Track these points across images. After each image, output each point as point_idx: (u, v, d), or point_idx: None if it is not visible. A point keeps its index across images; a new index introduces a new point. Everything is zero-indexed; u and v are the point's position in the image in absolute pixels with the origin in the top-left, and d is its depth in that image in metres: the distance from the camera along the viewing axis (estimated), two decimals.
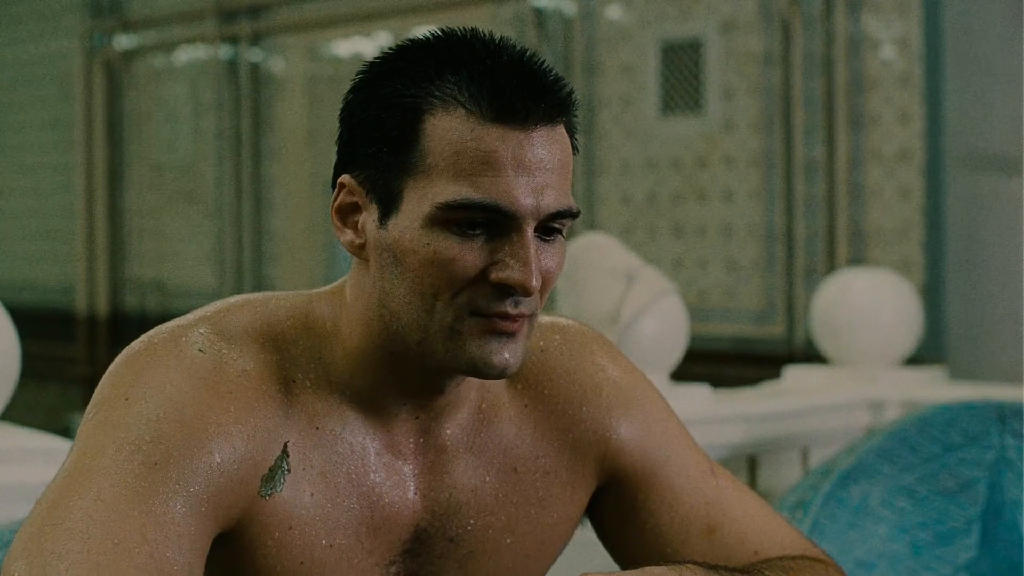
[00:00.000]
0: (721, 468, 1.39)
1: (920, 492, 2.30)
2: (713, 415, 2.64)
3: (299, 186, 6.12)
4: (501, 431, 1.28)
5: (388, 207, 1.16)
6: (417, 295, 1.15)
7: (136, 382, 1.15)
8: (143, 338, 1.20)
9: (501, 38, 1.18)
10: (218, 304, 1.23)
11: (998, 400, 2.44)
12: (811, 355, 3.77)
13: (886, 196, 4.13)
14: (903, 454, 2.34)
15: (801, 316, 4.26)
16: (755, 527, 1.36)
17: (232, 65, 6.40)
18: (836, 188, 4.21)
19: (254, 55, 6.33)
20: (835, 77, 4.22)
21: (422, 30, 1.23)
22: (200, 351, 1.17)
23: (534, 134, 1.14)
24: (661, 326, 2.65)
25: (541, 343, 1.32)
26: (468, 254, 1.13)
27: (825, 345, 3.12)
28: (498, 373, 1.16)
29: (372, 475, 1.21)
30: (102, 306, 6.98)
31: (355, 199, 1.18)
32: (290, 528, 1.17)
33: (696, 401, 2.67)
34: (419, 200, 1.14)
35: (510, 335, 1.15)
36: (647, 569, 1.18)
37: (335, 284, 1.25)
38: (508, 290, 1.14)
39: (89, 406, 1.17)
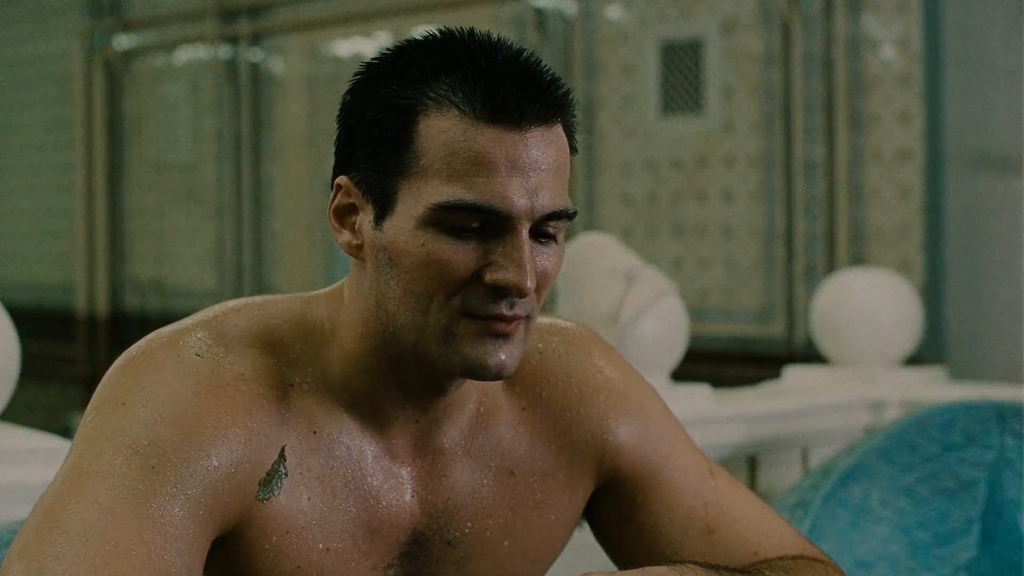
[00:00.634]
0: (720, 468, 1.39)
1: (920, 492, 2.30)
2: (713, 415, 2.64)
3: (299, 186, 6.12)
4: (499, 434, 1.28)
5: (383, 208, 1.15)
6: (412, 296, 1.15)
7: (133, 386, 1.16)
8: (141, 342, 1.20)
9: (499, 38, 1.18)
10: (216, 308, 1.23)
11: (998, 400, 2.44)
12: (811, 355, 3.77)
13: (886, 196, 4.13)
14: (903, 454, 2.34)
15: (801, 316, 4.26)
16: (754, 527, 1.36)
17: (232, 65, 6.40)
18: (836, 188, 4.21)
19: (254, 55, 6.33)
20: (835, 77, 4.22)
21: (422, 30, 1.23)
22: (197, 355, 1.17)
23: (528, 135, 1.14)
24: (661, 326, 2.65)
25: (539, 345, 1.32)
26: (462, 255, 1.13)
27: (825, 345, 3.12)
28: (494, 375, 1.16)
29: (369, 479, 1.21)
30: (102, 306, 6.98)
31: (352, 200, 1.18)
32: (287, 532, 1.17)
33: (696, 401, 2.67)
34: (413, 201, 1.14)
35: (505, 336, 1.15)
36: (648, 569, 1.18)
37: (333, 286, 1.25)
38: (503, 291, 1.14)
39: (87, 409, 1.18)
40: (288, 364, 1.20)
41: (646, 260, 2.76)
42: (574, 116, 1.20)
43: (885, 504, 2.28)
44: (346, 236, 1.19)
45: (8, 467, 1.85)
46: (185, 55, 6.69)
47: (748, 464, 2.74)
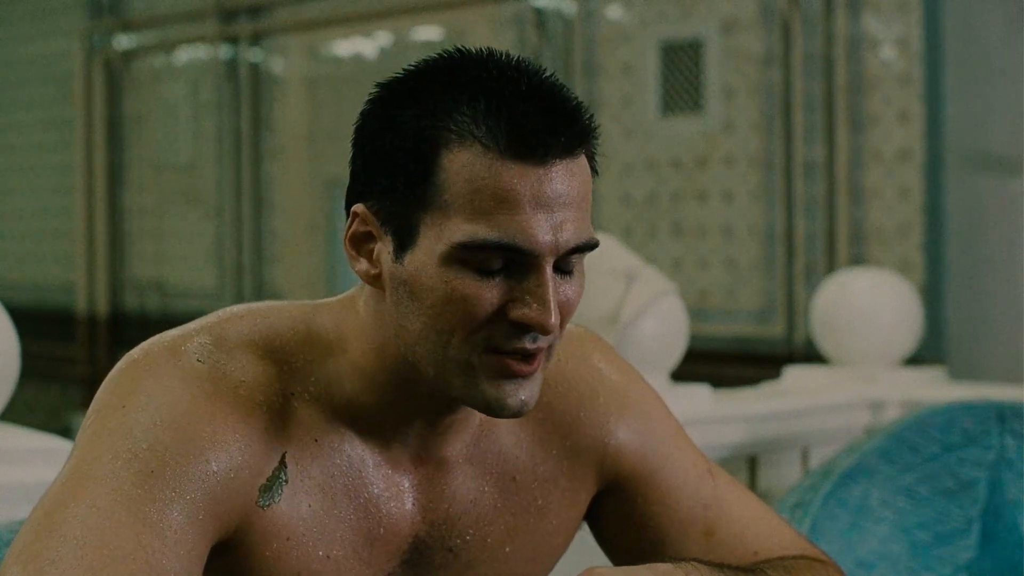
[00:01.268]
0: (719, 469, 1.39)
1: (920, 492, 2.30)
2: (713, 415, 2.64)
3: (299, 186, 6.12)
4: (500, 440, 1.27)
5: (404, 241, 1.13)
6: (434, 331, 1.13)
7: (134, 390, 1.15)
8: (143, 345, 1.20)
9: (519, 60, 1.15)
10: (220, 313, 1.22)
11: (998, 400, 2.44)
12: (811, 355, 3.77)
13: (886, 196, 4.13)
14: (903, 454, 2.34)
15: (801, 316, 4.26)
16: (754, 528, 1.36)
17: (232, 65, 6.40)
18: (836, 188, 4.22)
19: (254, 55, 6.33)
20: (835, 77, 4.22)
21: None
22: (199, 361, 1.17)
23: (553, 169, 1.11)
24: (661, 326, 2.65)
25: None
26: (486, 292, 1.12)
27: (825, 345, 3.12)
28: (513, 414, 1.15)
29: (370, 487, 1.21)
30: (102, 306, 6.98)
31: (369, 229, 1.16)
32: (287, 539, 1.17)
33: (696, 401, 2.67)
34: (436, 237, 1.11)
35: (526, 376, 1.14)
36: (653, 565, 1.18)
37: (342, 297, 1.23)
38: (526, 328, 1.12)
39: (88, 412, 1.17)
40: (290, 373, 1.19)
41: (646, 260, 2.76)
42: (596, 141, 1.17)
43: (885, 504, 2.28)
44: (363, 265, 1.17)
45: (8, 467, 1.85)
46: (185, 55, 6.69)
47: (748, 464, 2.74)
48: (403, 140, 1.12)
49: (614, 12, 4.85)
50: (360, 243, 1.17)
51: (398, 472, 1.22)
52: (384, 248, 1.15)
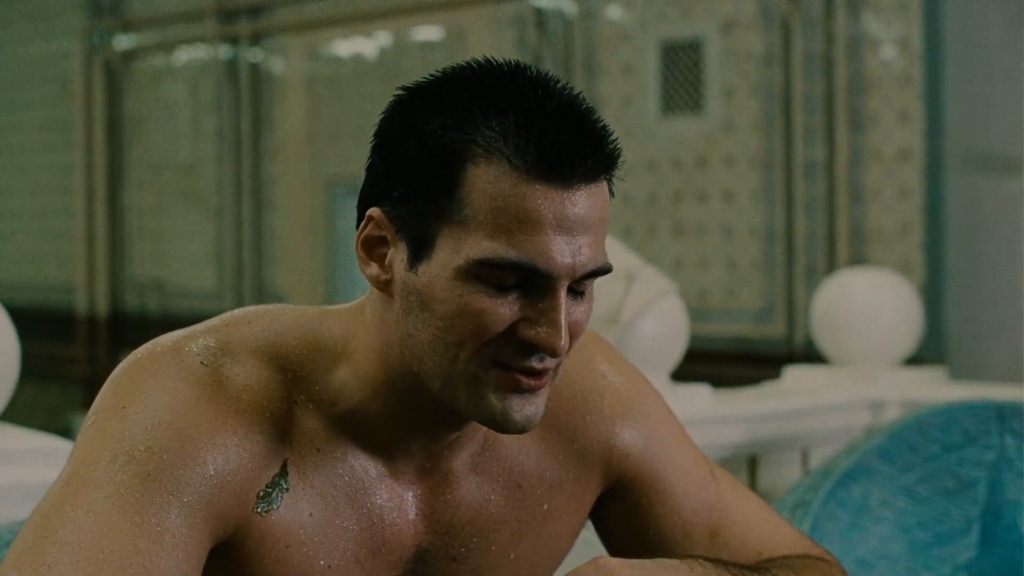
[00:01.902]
0: (721, 470, 1.39)
1: (920, 492, 2.30)
2: (713, 415, 2.64)
3: (299, 186, 6.12)
4: (506, 448, 1.26)
5: (419, 251, 1.12)
6: (442, 344, 1.12)
7: (134, 391, 1.15)
8: (146, 346, 1.19)
9: (548, 77, 1.14)
10: (226, 316, 1.22)
11: (998, 400, 2.44)
12: (811, 355, 3.77)
13: (886, 196, 4.13)
14: (903, 454, 2.34)
15: (801, 316, 4.26)
16: (757, 528, 1.36)
17: (232, 65, 6.40)
18: (836, 188, 4.21)
19: (254, 55, 6.33)
20: (835, 77, 4.22)
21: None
22: (202, 363, 1.16)
23: (577, 193, 1.11)
24: (661, 326, 2.65)
25: None
26: (500, 309, 1.11)
27: (825, 345, 3.12)
28: (519, 429, 1.14)
29: (373, 497, 1.20)
30: (102, 306, 6.98)
31: (383, 233, 1.15)
32: (287, 547, 1.16)
33: (696, 401, 2.67)
34: (453, 250, 1.11)
35: (533, 391, 1.14)
36: (661, 560, 1.19)
37: (350, 304, 1.22)
38: (535, 348, 1.12)
39: (89, 413, 1.17)
40: (294, 380, 1.18)
41: (646, 260, 2.76)
42: (619, 166, 1.17)
43: (885, 504, 2.28)
44: (374, 269, 1.16)
45: (8, 467, 1.85)
46: (185, 55, 6.69)
47: (748, 464, 2.74)
48: (428, 149, 1.11)
49: (614, 12, 4.85)
50: (372, 247, 1.16)
51: (402, 484, 1.21)
52: (397, 255, 1.14)
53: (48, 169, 7.35)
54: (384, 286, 1.15)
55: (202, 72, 6.55)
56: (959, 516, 2.29)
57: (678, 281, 4.11)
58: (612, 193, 1.17)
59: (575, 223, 1.11)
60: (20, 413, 2.31)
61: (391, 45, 5.64)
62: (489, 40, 5.06)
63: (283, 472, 1.17)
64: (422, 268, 1.12)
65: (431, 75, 1.16)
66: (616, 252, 2.69)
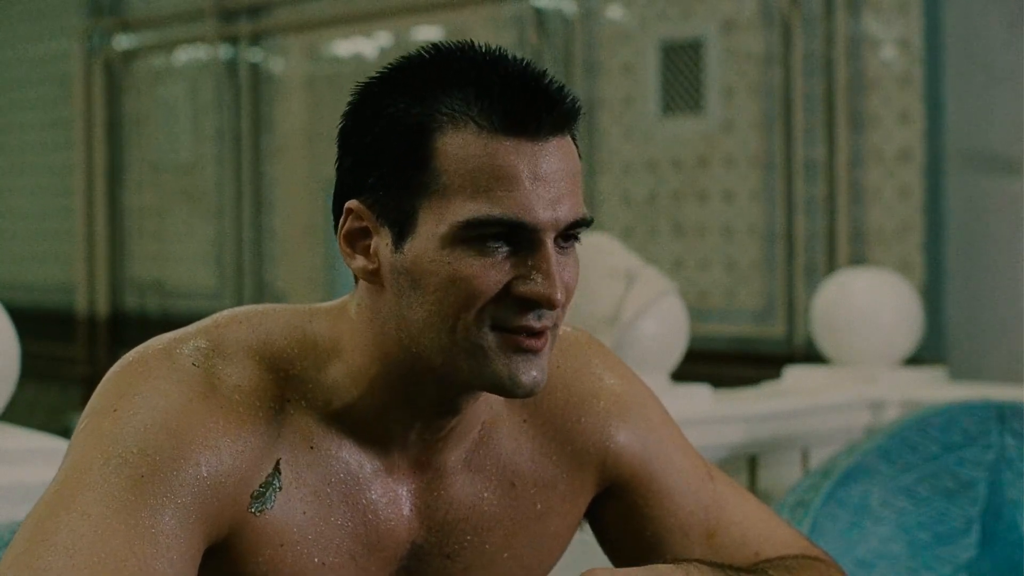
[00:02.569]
0: (718, 471, 1.39)
1: (920, 492, 2.30)
2: (713, 415, 2.64)
3: (299, 186, 6.12)
4: (500, 447, 1.26)
5: (402, 230, 1.13)
6: (438, 317, 1.13)
7: (126, 393, 1.15)
8: (138, 348, 1.19)
9: (499, 48, 1.16)
10: (216, 317, 1.22)
11: (998, 400, 2.45)
12: (811, 355, 3.77)
13: (886, 196, 4.13)
14: (903, 454, 2.34)
15: (801, 316, 4.26)
16: (754, 529, 1.36)
17: (232, 65, 6.40)
18: (836, 188, 4.21)
19: (254, 55, 6.33)
20: (835, 77, 4.22)
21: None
22: (194, 364, 1.16)
23: (547, 145, 1.12)
24: (661, 326, 2.65)
25: None
26: (490, 270, 1.12)
27: (825, 345, 3.12)
28: (527, 392, 1.15)
29: (367, 494, 1.20)
30: (102, 306, 6.98)
31: (364, 224, 1.16)
32: (281, 546, 1.17)
33: (696, 401, 2.67)
34: (436, 220, 1.12)
35: (535, 352, 1.14)
36: (654, 567, 1.18)
37: (336, 302, 1.23)
38: (532, 303, 1.12)
39: (82, 415, 1.17)
40: (286, 379, 1.19)
41: (646, 260, 2.76)
42: (578, 125, 1.18)
43: (885, 504, 2.28)
44: (360, 261, 1.16)
45: (8, 467, 1.85)
46: (185, 55, 6.69)
47: (748, 464, 2.74)
48: (395, 131, 1.13)
49: (614, 12, 4.85)
50: (355, 240, 1.17)
51: (396, 479, 1.21)
52: (381, 241, 1.15)
53: (48, 169, 7.35)
54: (372, 276, 1.16)
55: (202, 72, 6.55)
56: (959, 516, 2.29)
57: (678, 281, 4.11)
58: (580, 155, 1.18)
59: (551, 174, 1.12)
60: (20, 413, 2.31)
61: (391, 45, 5.64)
62: (489, 40, 5.04)
63: (276, 471, 1.17)
64: (408, 246, 1.13)
65: (387, 66, 1.18)
66: (616, 252, 2.69)
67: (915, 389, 2.96)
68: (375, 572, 1.21)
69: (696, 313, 3.81)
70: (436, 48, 1.17)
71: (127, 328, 6.81)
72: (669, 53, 4.66)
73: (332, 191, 1.20)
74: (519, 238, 1.12)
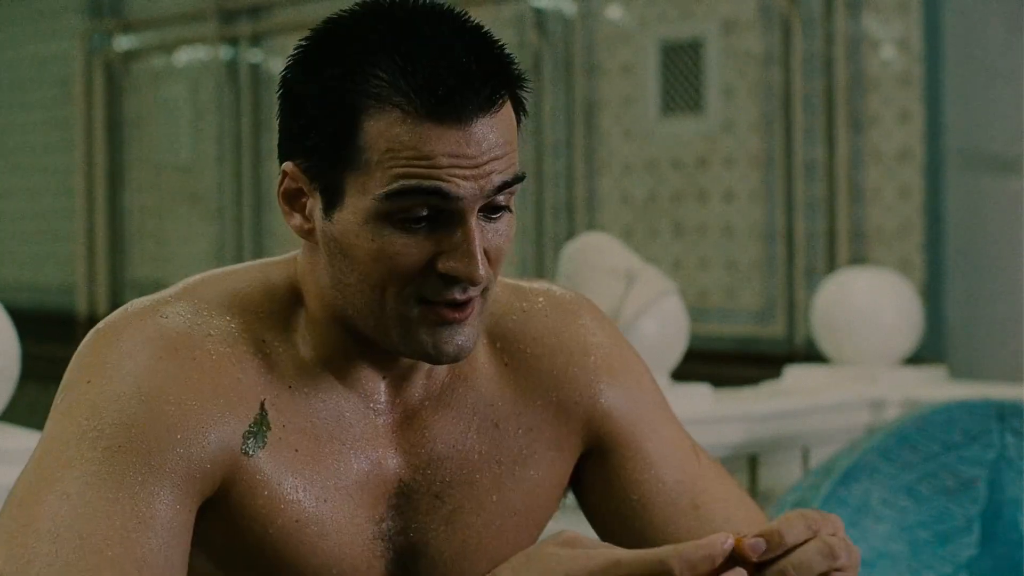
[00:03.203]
0: (703, 451, 1.39)
1: (920, 491, 2.31)
2: (713, 415, 2.64)
3: None
4: (479, 387, 1.27)
5: (331, 200, 1.15)
6: (367, 286, 1.15)
7: (96, 363, 1.16)
8: (107, 317, 1.20)
9: (438, 7, 1.15)
10: (179, 283, 1.23)
11: (998, 399, 2.45)
12: (811, 355, 3.77)
13: (886, 196, 4.13)
14: (903, 453, 2.34)
15: (801, 316, 4.26)
16: (738, 512, 1.35)
17: (232, 66, 6.40)
18: (836, 188, 4.22)
19: (254, 56, 6.33)
20: (835, 77, 4.22)
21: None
22: (163, 318, 1.17)
23: (473, 127, 1.12)
24: (661, 326, 2.65)
25: (523, 305, 1.31)
26: (413, 248, 1.13)
27: (825, 345, 3.12)
28: (452, 359, 1.17)
29: (350, 430, 1.21)
30: (102, 307, 6.98)
31: (299, 185, 1.17)
32: (279, 484, 1.17)
33: (696, 401, 2.67)
34: (360, 194, 1.13)
35: (460, 323, 1.16)
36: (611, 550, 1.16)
37: (289, 255, 1.25)
38: (456, 279, 1.14)
39: (58, 390, 1.18)
40: (258, 322, 1.20)
41: (646, 260, 2.76)
42: (523, 83, 1.17)
43: (886, 503, 2.28)
44: (297, 220, 1.18)
45: (8, 467, 1.85)
46: (185, 56, 6.69)
47: (748, 464, 2.74)
48: (324, 101, 1.14)
49: (614, 12, 4.85)
50: (293, 198, 1.18)
51: (374, 415, 1.23)
52: (315, 204, 1.17)
53: (48, 170, 7.35)
54: (308, 235, 1.18)
55: (202, 73, 6.55)
56: (959, 515, 2.29)
57: (678, 281, 4.12)
58: (525, 112, 1.18)
59: (477, 155, 1.12)
60: (20, 413, 2.31)
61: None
62: None
63: (263, 411, 1.17)
64: (336, 216, 1.15)
65: (324, 23, 1.19)
66: (616, 252, 2.70)
67: (915, 388, 2.96)
68: (370, 508, 1.22)
69: (696, 313, 3.81)
70: (372, 5, 1.17)
71: None
72: (669, 53, 4.66)
73: None
74: (441, 212, 1.13)
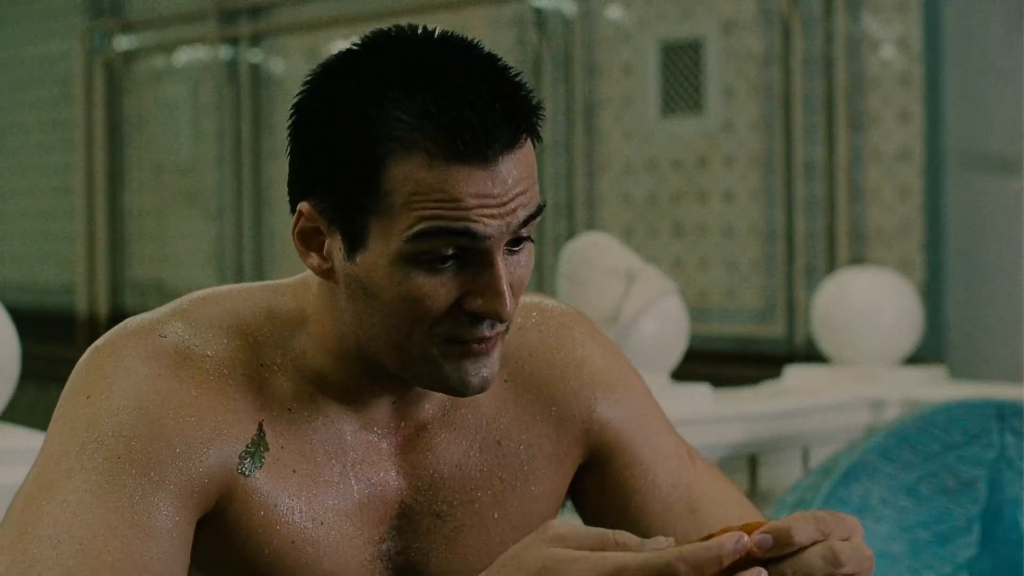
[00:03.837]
0: (698, 454, 1.39)
1: (920, 491, 2.31)
2: (713, 415, 2.64)
3: None
4: (480, 406, 1.27)
5: (354, 242, 1.13)
6: (392, 327, 1.14)
7: (97, 378, 1.16)
8: (107, 333, 1.20)
9: (456, 41, 1.14)
10: (183, 299, 1.23)
11: (998, 399, 2.45)
12: (811, 355, 3.77)
13: (886, 196, 4.13)
14: (903, 453, 2.34)
15: (801, 316, 4.26)
16: (734, 512, 1.36)
17: (232, 66, 6.40)
18: (836, 188, 4.22)
19: (254, 56, 6.33)
20: (835, 77, 4.22)
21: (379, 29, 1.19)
22: (161, 336, 1.17)
23: (500, 165, 1.11)
24: (661, 326, 2.65)
25: (518, 320, 1.31)
26: (440, 288, 1.12)
27: (825, 345, 3.12)
28: (477, 391, 1.17)
29: (351, 452, 1.21)
30: (102, 307, 6.98)
31: (317, 225, 1.16)
32: (275, 506, 1.17)
33: (696, 401, 2.67)
34: (385, 236, 1.11)
35: (487, 354, 1.16)
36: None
37: (299, 277, 1.24)
38: (483, 317, 1.13)
39: (57, 404, 1.18)
40: (258, 346, 1.20)
41: (646, 260, 2.76)
42: (541, 114, 1.16)
43: (886, 503, 2.28)
44: (315, 260, 1.17)
45: (8, 467, 1.85)
46: (185, 56, 6.69)
47: (748, 464, 2.74)
48: (344, 142, 1.12)
49: (614, 12, 4.85)
50: (309, 237, 1.17)
51: (377, 437, 1.23)
52: (334, 245, 1.15)
53: (48, 170, 7.35)
54: (327, 274, 1.17)
55: (202, 73, 6.55)
56: (960, 515, 2.29)
57: (678, 281, 4.11)
58: (540, 138, 1.16)
59: (503, 193, 1.11)
60: (20, 413, 2.31)
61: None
62: (489, 40, 5.04)
63: (261, 433, 1.18)
64: (360, 258, 1.13)
65: (339, 55, 1.16)
66: (616, 252, 2.70)
67: (915, 388, 2.96)
68: (370, 531, 1.22)
69: (696, 313, 3.81)
70: (388, 38, 1.15)
71: None
72: (669, 53, 4.66)
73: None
74: (468, 252, 1.12)
